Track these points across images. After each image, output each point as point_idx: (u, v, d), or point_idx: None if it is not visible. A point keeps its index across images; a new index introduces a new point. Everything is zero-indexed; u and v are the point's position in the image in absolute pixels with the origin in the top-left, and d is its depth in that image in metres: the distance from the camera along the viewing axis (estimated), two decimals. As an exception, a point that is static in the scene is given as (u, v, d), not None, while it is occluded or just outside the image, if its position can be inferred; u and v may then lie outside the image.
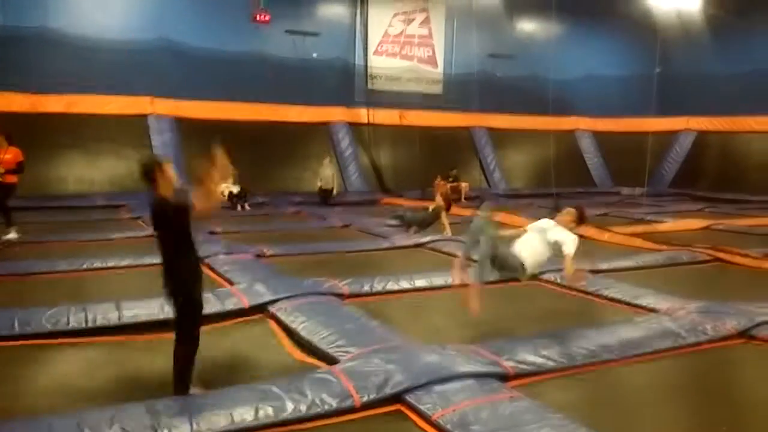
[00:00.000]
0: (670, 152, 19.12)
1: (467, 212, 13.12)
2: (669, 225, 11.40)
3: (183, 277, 3.62)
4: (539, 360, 4.11)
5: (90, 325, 4.75)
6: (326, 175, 14.81)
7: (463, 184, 16.33)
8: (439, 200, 9.90)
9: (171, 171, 3.69)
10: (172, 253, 3.61)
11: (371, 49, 17.85)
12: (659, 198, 16.59)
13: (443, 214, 9.67)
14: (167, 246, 3.61)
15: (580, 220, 5.06)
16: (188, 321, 3.67)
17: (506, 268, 4.77)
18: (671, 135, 18.89)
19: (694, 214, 13.56)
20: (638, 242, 9.24)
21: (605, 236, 9.68)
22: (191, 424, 3.10)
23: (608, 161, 20.15)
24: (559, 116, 17.57)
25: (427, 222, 9.70)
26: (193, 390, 3.62)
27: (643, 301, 5.75)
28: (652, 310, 5.47)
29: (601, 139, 20.45)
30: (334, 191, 14.84)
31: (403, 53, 18.40)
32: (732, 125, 18.21)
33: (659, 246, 8.85)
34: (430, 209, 9.93)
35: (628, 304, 5.79)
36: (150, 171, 3.66)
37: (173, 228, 3.59)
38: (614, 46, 19.96)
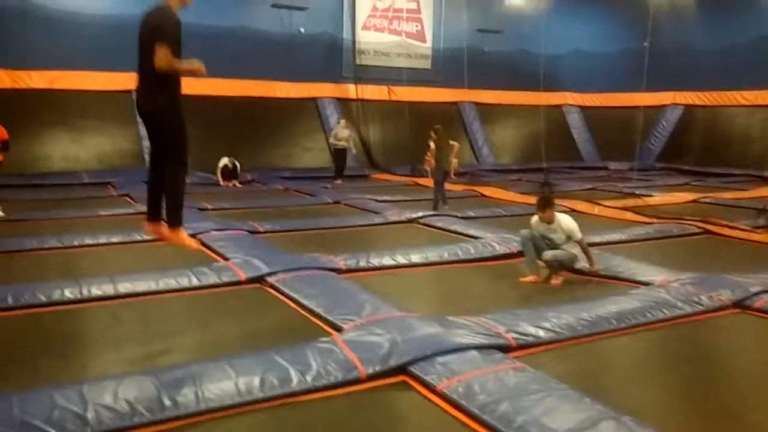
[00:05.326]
0: (657, 127, 19.15)
1: (458, 188, 13.15)
2: (658, 199, 11.47)
3: (170, 94, 3.51)
4: (540, 332, 4.12)
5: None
6: (343, 135, 14.57)
7: (453, 161, 16.26)
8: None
9: None
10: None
11: (359, 23, 17.58)
12: (646, 172, 16.66)
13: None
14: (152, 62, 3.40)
15: (545, 205, 5.78)
16: (179, 141, 3.64)
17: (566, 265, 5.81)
18: (658, 109, 18.90)
19: (682, 187, 13.67)
20: (628, 216, 9.30)
21: (595, 210, 9.74)
22: (196, 394, 3.09)
23: (595, 136, 20.17)
24: (547, 91, 17.52)
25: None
26: None
27: (637, 274, 5.75)
28: (647, 283, 5.49)
29: (589, 114, 20.44)
30: (353, 149, 14.78)
31: (391, 28, 18.16)
32: (718, 99, 18.24)
33: (649, 219, 8.92)
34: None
35: (622, 277, 5.78)
36: None
37: (168, 41, 3.37)
38: (602, 20, 19.82)
